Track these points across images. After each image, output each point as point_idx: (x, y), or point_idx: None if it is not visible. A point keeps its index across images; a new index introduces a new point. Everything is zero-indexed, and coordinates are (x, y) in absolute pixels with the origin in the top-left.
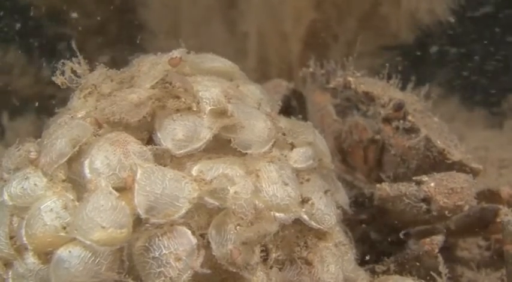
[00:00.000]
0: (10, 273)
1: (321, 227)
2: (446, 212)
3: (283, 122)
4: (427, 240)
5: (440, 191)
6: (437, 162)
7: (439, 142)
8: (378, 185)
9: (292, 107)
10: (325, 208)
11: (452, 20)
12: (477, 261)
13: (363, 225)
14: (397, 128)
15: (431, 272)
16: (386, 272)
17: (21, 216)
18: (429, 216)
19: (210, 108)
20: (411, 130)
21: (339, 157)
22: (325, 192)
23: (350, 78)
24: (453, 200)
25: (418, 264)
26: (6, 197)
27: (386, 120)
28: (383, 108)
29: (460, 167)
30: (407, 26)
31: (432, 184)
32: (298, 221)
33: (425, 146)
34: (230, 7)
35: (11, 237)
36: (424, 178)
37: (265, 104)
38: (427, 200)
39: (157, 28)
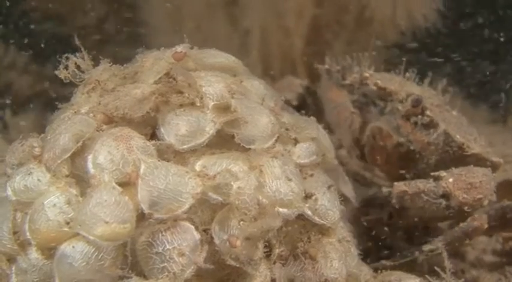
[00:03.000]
0: (13, 268)
1: (325, 223)
2: (466, 208)
3: (287, 117)
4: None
5: (459, 186)
6: (457, 157)
7: (458, 136)
8: (395, 183)
9: (307, 104)
10: (329, 203)
11: (456, 14)
12: (481, 258)
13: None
14: (416, 123)
15: (436, 268)
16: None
17: (25, 212)
18: (449, 212)
19: (213, 103)
20: (430, 125)
21: (357, 153)
22: (329, 187)
23: (366, 74)
24: (472, 195)
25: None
26: (9, 192)
27: (405, 116)
28: (401, 104)
29: (480, 160)
30: (409, 22)
31: (451, 180)
32: (301, 217)
33: (445, 141)
34: (232, 3)
35: (15, 233)
36: (442, 174)
37: (268, 99)
38: (446, 195)
39: (160, 24)
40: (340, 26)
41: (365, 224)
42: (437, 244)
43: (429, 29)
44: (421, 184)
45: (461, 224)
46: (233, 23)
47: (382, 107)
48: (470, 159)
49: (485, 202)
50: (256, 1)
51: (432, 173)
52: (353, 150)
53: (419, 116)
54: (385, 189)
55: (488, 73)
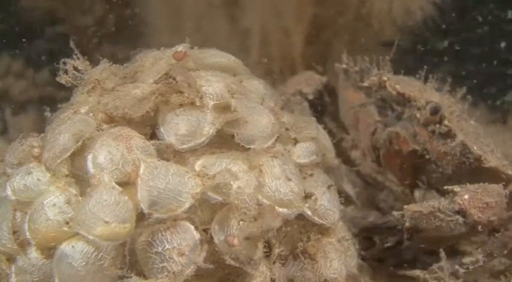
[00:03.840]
0: (13, 268)
1: (324, 223)
2: (479, 227)
3: (287, 117)
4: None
5: (474, 204)
6: (473, 169)
7: (475, 148)
8: (405, 206)
9: (324, 101)
10: (328, 203)
11: (454, 13)
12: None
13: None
14: (433, 132)
15: (434, 267)
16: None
17: (24, 211)
18: (466, 229)
19: (213, 103)
20: (447, 135)
21: (372, 157)
22: (329, 187)
23: (385, 78)
24: (487, 215)
25: None
26: (9, 191)
27: (423, 124)
28: (419, 112)
29: (496, 173)
30: (406, 21)
31: (466, 196)
32: (301, 217)
33: (461, 152)
34: (232, 3)
35: (14, 232)
36: (456, 189)
37: (268, 99)
38: (461, 212)
39: (160, 24)
40: (340, 25)
41: (374, 255)
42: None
43: (427, 23)
44: (434, 203)
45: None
46: (233, 23)
47: (400, 113)
48: (487, 171)
49: (496, 222)
50: (256, 1)
51: (445, 187)
52: (369, 155)
53: (437, 125)
54: (395, 213)
55: (488, 71)
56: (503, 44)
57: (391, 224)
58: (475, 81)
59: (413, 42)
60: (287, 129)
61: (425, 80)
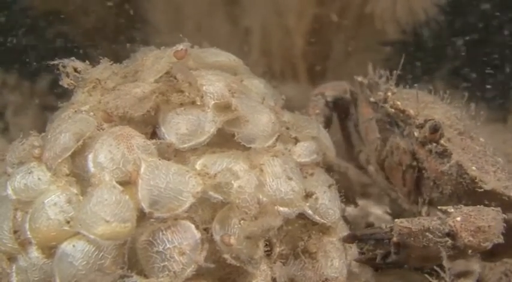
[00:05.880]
0: (14, 267)
1: (325, 222)
2: (470, 251)
3: (287, 116)
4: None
5: (466, 227)
6: (471, 190)
7: (473, 168)
8: (396, 220)
9: (348, 110)
10: (329, 202)
11: (454, 12)
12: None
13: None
14: (430, 151)
15: (435, 267)
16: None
17: (25, 211)
18: (454, 252)
19: (214, 102)
20: (443, 154)
21: (382, 173)
22: (329, 186)
23: (389, 94)
24: (478, 240)
25: None
26: (10, 191)
27: (421, 142)
28: (418, 130)
29: (495, 195)
30: (410, 18)
31: (458, 218)
32: (302, 216)
33: (458, 173)
34: (233, 2)
35: (15, 232)
36: (450, 209)
37: (269, 98)
38: (451, 235)
39: (160, 23)
40: (341, 25)
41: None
42: None
43: (430, 25)
44: (425, 221)
45: None
46: (234, 22)
47: (403, 129)
48: (486, 193)
49: (489, 247)
50: (257, 0)
51: (439, 207)
52: (378, 171)
53: (434, 144)
54: (383, 225)
55: (489, 71)
56: (503, 43)
57: (379, 236)
58: (475, 78)
59: (416, 44)
60: (288, 128)
61: (435, 92)
